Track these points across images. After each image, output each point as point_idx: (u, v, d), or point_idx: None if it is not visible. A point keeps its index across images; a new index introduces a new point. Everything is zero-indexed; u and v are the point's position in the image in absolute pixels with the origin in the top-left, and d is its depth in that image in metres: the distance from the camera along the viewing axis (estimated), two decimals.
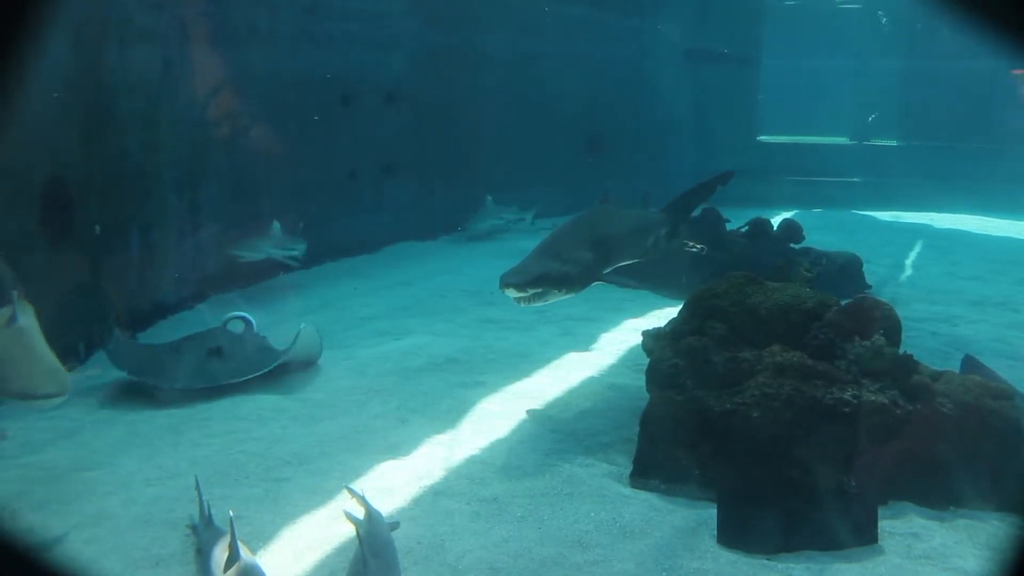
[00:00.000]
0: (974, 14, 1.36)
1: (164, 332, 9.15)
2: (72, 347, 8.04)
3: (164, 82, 9.89)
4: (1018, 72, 20.62)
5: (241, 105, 11.49)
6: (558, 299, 6.43)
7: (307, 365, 7.88)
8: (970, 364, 6.55)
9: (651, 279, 11.56)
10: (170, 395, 6.96)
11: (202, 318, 9.64)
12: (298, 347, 7.44)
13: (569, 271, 6.40)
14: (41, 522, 5.01)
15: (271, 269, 11.69)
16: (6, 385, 4.58)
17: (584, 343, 9.04)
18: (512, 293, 6.16)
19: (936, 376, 5.69)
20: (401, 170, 14.92)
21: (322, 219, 12.89)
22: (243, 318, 7.88)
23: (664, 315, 8.08)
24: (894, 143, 23.91)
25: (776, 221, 12.45)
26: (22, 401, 4.71)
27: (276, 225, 10.63)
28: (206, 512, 4.61)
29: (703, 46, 21.67)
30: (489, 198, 15.47)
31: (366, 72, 14.06)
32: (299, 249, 10.95)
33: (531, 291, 6.16)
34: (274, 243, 10.61)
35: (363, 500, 4.69)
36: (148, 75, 9.51)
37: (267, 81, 11.98)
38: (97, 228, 8.36)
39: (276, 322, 9.72)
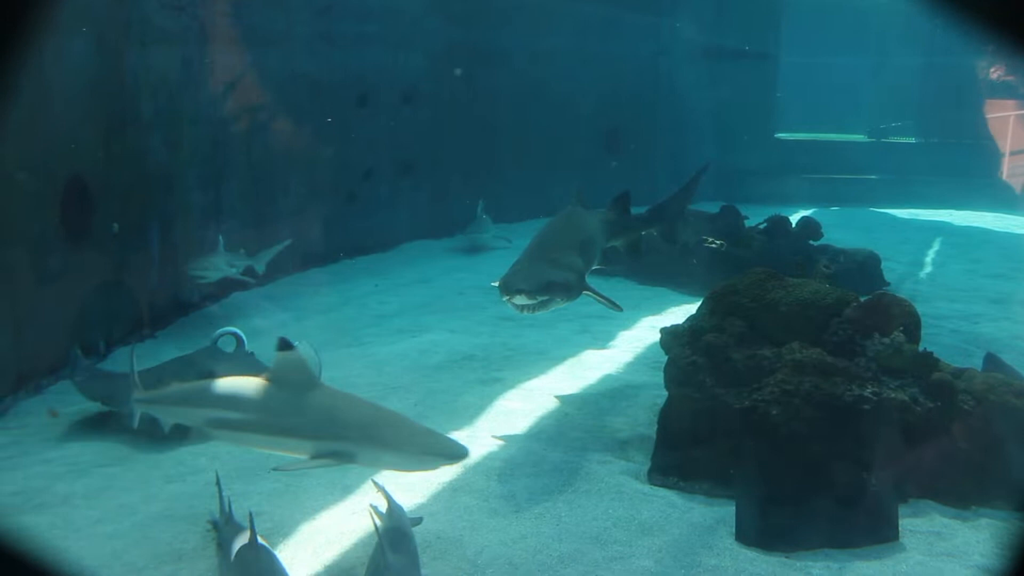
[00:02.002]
0: (972, 14, 1.36)
1: (186, 329, 9.22)
2: (93, 345, 8.11)
3: (184, 82, 9.96)
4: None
5: (259, 105, 11.57)
6: (556, 307, 6.23)
7: None
8: (992, 362, 6.47)
9: (669, 277, 11.60)
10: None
11: (220, 315, 9.72)
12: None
13: (570, 279, 6.24)
14: (63, 516, 5.07)
15: (284, 267, 11.74)
16: (411, 449, 4.10)
17: (602, 340, 9.03)
18: (521, 300, 5.93)
19: (957, 374, 5.64)
20: (417, 168, 14.95)
21: (338, 217, 12.97)
22: (234, 334, 7.35)
23: (682, 312, 8.07)
24: (912, 140, 23.73)
25: (794, 219, 12.40)
26: (427, 464, 4.25)
27: (220, 241, 9.50)
28: (227, 508, 4.65)
29: (720, 43, 21.56)
30: (481, 203, 14.62)
31: (383, 72, 14.10)
32: (255, 267, 9.83)
33: (539, 298, 5.96)
34: (227, 261, 9.50)
35: (386, 494, 4.72)
36: (168, 75, 9.59)
37: (285, 81, 12.04)
38: (115, 226, 8.41)
39: (295, 319, 9.82)
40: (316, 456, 4.07)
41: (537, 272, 6.13)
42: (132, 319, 8.76)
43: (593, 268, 7.09)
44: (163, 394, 4.65)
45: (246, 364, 6.87)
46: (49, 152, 7.39)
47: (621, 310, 7.15)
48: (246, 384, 4.31)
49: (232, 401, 4.29)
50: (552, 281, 6.03)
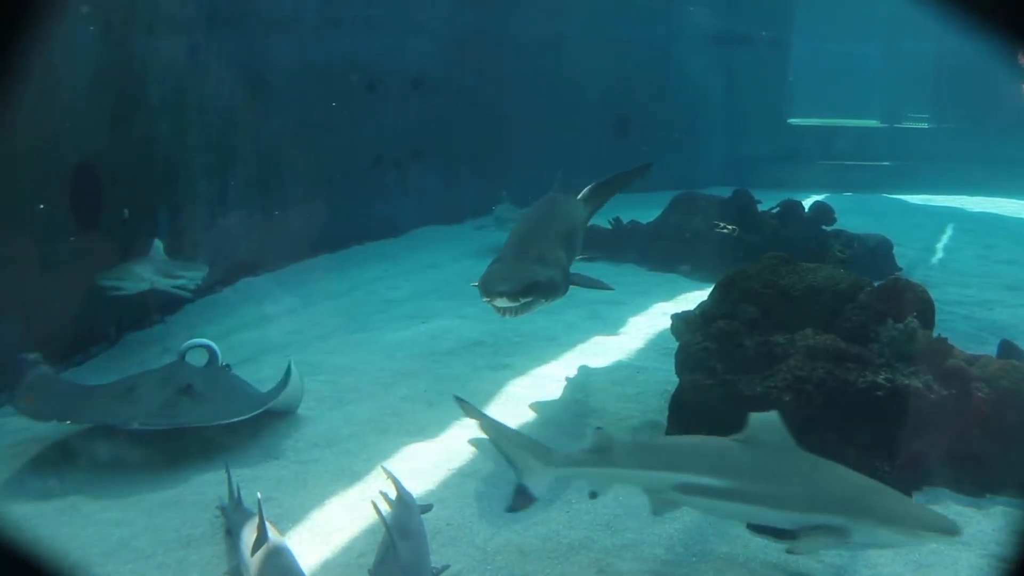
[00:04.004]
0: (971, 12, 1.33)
1: (193, 316, 9.21)
2: (103, 331, 8.12)
3: (191, 69, 9.93)
4: None
5: (267, 91, 11.53)
6: (542, 307, 5.84)
7: (284, 414, 6.33)
8: (1007, 349, 6.38)
9: (680, 262, 11.53)
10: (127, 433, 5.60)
11: (230, 301, 9.71)
12: (287, 391, 6.12)
13: (555, 277, 5.85)
14: (71, 503, 5.06)
15: (294, 254, 11.72)
16: (908, 524, 3.75)
17: (612, 327, 8.98)
18: (503, 303, 5.49)
19: (971, 360, 5.57)
20: (427, 155, 14.90)
21: (348, 204, 12.96)
22: (207, 347, 6.64)
23: (693, 298, 8.01)
24: (925, 126, 23.54)
25: (806, 204, 12.32)
26: (921, 541, 3.99)
27: (158, 245, 7.94)
28: (235, 493, 4.63)
29: (732, 28, 21.39)
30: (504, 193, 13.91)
31: (392, 58, 14.03)
32: (192, 277, 8.31)
33: (522, 300, 5.53)
34: (156, 269, 7.87)
35: (396, 481, 4.69)
36: (175, 62, 9.56)
37: (293, 67, 12.00)
38: (125, 212, 8.40)
39: (305, 305, 9.81)
40: (802, 529, 3.76)
41: (520, 271, 5.70)
42: (141, 305, 8.73)
43: (578, 257, 6.80)
44: (612, 457, 4.09)
45: (225, 379, 6.40)
46: (57, 139, 7.37)
47: (613, 289, 6.99)
48: (718, 447, 4.00)
49: (706, 466, 3.95)
50: (536, 281, 5.63)
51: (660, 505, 4.06)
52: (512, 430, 4.30)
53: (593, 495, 4.23)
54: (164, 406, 5.55)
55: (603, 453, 4.07)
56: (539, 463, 4.15)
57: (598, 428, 4.16)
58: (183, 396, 5.66)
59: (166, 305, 9.04)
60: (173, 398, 5.62)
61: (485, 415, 4.42)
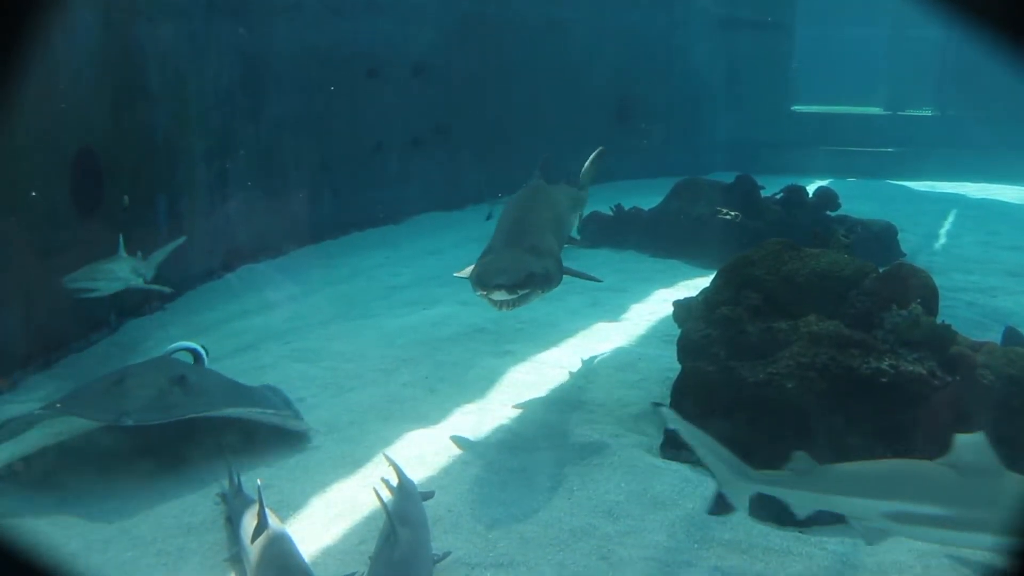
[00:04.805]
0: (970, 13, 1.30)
1: (193, 302, 9.19)
2: (104, 318, 8.10)
3: (191, 55, 9.87)
4: None
5: (268, 77, 11.47)
6: (536, 299, 5.71)
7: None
8: (1012, 336, 6.36)
9: (682, 249, 11.49)
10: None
11: (230, 288, 9.69)
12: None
13: (550, 267, 5.73)
14: (73, 491, 5.05)
15: (297, 239, 11.69)
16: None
17: (613, 313, 8.95)
18: (500, 296, 5.36)
19: (976, 347, 5.54)
20: (429, 141, 14.82)
21: (349, 190, 12.92)
22: (192, 350, 6.32)
23: (695, 285, 7.98)
24: (929, 113, 23.44)
25: (810, 189, 12.26)
26: None
27: (120, 242, 7.37)
28: (236, 481, 4.62)
29: (736, 13, 21.25)
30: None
31: (393, 44, 13.93)
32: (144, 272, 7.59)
33: (519, 292, 5.40)
34: (132, 267, 7.37)
35: (397, 468, 4.68)
36: (176, 48, 9.50)
37: (293, 53, 11.92)
38: (125, 199, 8.36)
39: (306, 292, 9.78)
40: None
41: (516, 262, 5.56)
42: (141, 292, 8.70)
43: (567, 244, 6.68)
44: (814, 479, 3.92)
45: (216, 376, 6.08)
46: (58, 126, 7.33)
47: (601, 281, 6.92)
48: (926, 471, 3.78)
49: (917, 492, 3.74)
50: (533, 272, 5.51)
51: (871, 534, 3.89)
52: (714, 442, 4.18)
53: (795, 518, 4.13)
54: (157, 399, 5.30)
55: (803, 475, 3.97)
56: (738, 477, 4.10)
57: (798, 451, 4.01)
58: (175, 387, 5.39)
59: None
60: (166, 389, 5.38)
61: (686, 423, 4.28)
